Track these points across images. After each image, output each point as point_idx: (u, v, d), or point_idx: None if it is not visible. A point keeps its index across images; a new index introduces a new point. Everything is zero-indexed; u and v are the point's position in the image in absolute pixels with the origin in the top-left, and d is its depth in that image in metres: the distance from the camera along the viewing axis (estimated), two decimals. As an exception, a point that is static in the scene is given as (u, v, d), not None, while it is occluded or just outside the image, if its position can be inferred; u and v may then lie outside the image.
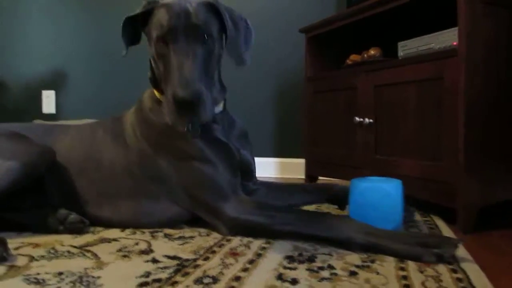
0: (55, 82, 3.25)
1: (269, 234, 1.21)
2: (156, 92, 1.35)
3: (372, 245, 1.07)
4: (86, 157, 1.40)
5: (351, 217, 1.20)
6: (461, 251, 1.05)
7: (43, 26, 3.28)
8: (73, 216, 1.26)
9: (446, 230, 1.32)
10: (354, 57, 2.08)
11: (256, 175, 1.55)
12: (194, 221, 1.35)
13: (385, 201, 1.23)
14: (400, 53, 1.73)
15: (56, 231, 1.25)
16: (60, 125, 1.58)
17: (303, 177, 2.36)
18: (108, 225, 1.35)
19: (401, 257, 1.03)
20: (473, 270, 0.96)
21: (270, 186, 1.57)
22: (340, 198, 1.48)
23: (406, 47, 1.70)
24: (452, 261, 1.00)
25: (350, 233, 1.10)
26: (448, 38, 1.50)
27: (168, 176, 1.31)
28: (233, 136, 1.41)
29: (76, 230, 1.26)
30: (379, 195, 1.23)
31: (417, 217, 1.47)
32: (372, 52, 1.95)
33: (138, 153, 1.34)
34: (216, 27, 1.24)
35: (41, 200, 1.35)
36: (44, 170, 1.30)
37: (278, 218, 1.19)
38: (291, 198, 1.55)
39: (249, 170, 1.48)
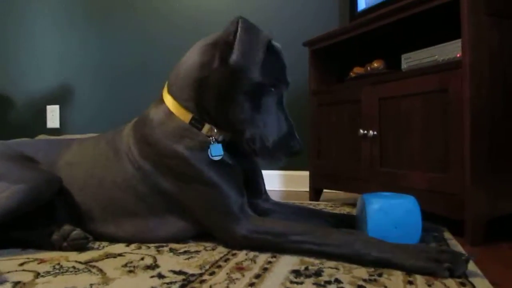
0: (60, 97, 3.28)
1: (280, 250, 1.20)
2: (179, 109, 1.30)
3: (384, 261, 1.05)
4: (89, 172, 1.39)
5: (370, 235, 1.17)
6: (469, 264, 1.04)
7: (49, 42, 3.31)
8: (76, 232, 1.25)
9: (454, 243, 1.31)
10: (357, 70, 2.08)
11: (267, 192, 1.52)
12: (200, 236, 1.35)
13: (407, 217, 1.21)
14: (404, 65, 1.73)
15: (60, 248, 1.24)
16: (65, 139, 1.58)
17: (308, 189, 2.35)
18: (113, 241, 1.35)
19: (413, 272, 1.02)
20: (482, 283, 0.95)
21: (286, 208, 1.49)
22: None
23: (410, 59, 1.70)
24: (462, 276, 0.99)
25: (361, 249, 1.08)
26: (452, 49, 1.50)
27: (173, 194, 1.29)
28: (240, 153, 1.36)
29: (79, 246, 1.24)
30: (401, 212, 1.22)
31: (448, 235, 1.42)
32: (375, 64, 1.95)
33: (139, 169, 1.32)
34: None
35: (52, 217, 1.35)
36: (49, 197, 1.29)
37: (288, 236, 1.18)
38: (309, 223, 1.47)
39: (257, 188, 1.46)
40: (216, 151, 1.26)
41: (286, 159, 1.25)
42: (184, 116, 1.29)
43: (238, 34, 1.15)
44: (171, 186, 1.29)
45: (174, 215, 1.32)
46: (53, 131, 3.20)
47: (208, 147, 1.26)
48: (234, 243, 1.24)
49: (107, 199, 1.35)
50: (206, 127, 1.29)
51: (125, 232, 1.34)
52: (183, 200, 1.29)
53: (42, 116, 3.31)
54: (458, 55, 1.45)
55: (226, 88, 1.21)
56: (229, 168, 1.31)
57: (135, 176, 1.32)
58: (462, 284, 0.94)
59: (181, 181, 1.28)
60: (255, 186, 1.45)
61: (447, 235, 1.40)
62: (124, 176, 1.34)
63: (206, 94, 1.26)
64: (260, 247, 1.21)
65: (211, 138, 1.27)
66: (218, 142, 1.28)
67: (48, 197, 1.28)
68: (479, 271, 1.03)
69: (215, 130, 1.28)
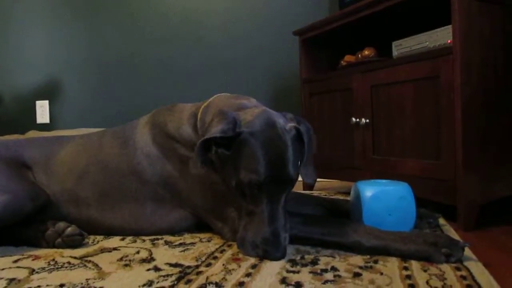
0: (49, 92, 3.24)
1: None
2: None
3: (381, 248, 1.06)
4: (90, 161, 1.41)
5: (365, 223, 1.19)
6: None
7: (37, 37, 3.26)
8: (70, 229, 1.24)
9: (447, 229, 1.32)
10: (348, 58, 2.08)
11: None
12: (194, 228, 1.36)
13: (400, 204, 1.22)
14: (395, 53, 1.73)
15: (54, 245, 1.23)
16: (66, 136, 1.60)
17: (301, 179, 2.35)
18: (109, 228, 1.35)
19: (410, 258, 1.03)
20: (476, 267, 0.96)
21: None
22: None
23: (401, 47, 1.70)
24: (458, 261, 1.00)
25: (357, 237, 1.09)
26: (442, 36, 1.50)
27: (175, 180, 1.31)
28: None
29: (74, 242, 1.23)
30: (394, 199, 1.22)
31: (442, 221, 1.42)
32: (366, 52, 1.95)
33: (147, 156, 1.35)
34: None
35: (50, 213, 1.36)
36: (32, 212, 1.27)
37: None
38: (304, 209, 1.47)
39: None
40: None
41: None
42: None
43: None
44: (174, 171, 1.31)
45: (174, 204, 1.33)
46: (43, 127, 3.17)
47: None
48: (229, 231, 1.23)
49: (108, 185, 1.37)
50: None
51: (123, 218, 1.35)
52: (184, 184, 1.30)
53: (31, 111, 3.27)
54: (448, 42, 1.45)
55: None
56: None
57: (142, 163, 1.34)
58: (457, 268, 0.95)
59: (183, 163, 1.29)
60: None
61: (442, 221, 1.41)
62: (129, 163, 1.36)
63: None
64: None
65: None
66: None
67: (30, 211, 1.26)
68: (473, 256, 1.04)
69: None
